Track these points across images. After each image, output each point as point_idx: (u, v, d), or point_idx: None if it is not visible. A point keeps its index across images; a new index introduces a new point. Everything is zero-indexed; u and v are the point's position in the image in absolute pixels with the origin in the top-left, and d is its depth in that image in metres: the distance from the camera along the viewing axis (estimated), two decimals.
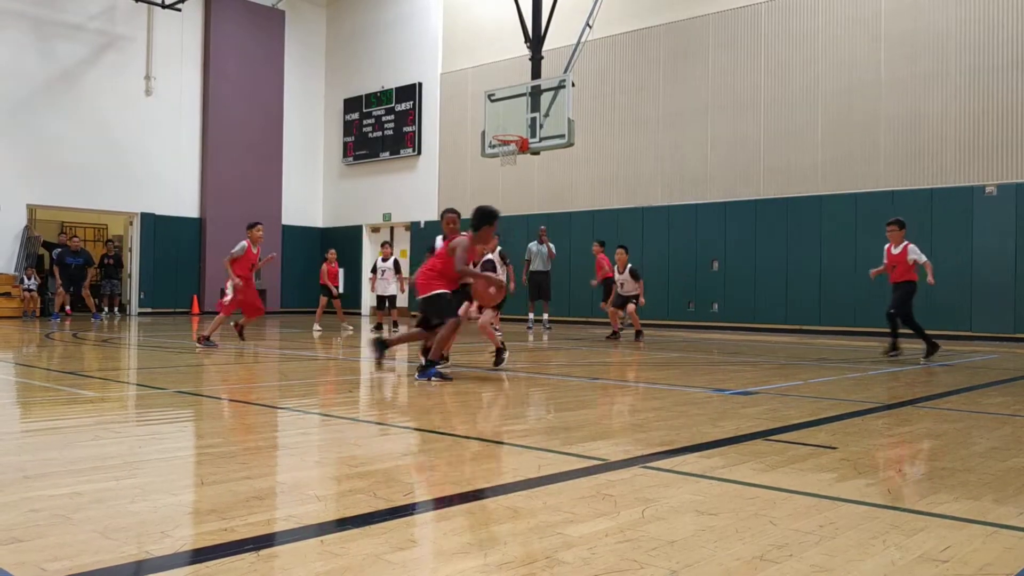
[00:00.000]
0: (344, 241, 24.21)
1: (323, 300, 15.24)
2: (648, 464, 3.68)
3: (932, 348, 9.58)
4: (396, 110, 23.03)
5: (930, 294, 14.68)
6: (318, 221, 25.36)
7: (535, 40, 16.17)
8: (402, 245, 22.52)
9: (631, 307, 12.91)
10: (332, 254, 15.48)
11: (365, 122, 23.92)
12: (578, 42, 15.84)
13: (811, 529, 2.68)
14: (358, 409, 5.80)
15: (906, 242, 9.80)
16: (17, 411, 5.53)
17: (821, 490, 3.23)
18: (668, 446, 4.15)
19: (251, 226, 10.72)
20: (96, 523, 2.63)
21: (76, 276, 18.70)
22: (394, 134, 23.11)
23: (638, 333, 12.94)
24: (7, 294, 18.78)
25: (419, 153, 22.61)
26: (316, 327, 14.51)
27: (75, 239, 19.70)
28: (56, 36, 19.94)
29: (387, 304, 14.75)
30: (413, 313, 15.08)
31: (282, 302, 23.72)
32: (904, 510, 2.94)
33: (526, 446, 4.14)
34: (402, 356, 9.42)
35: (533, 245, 15.80)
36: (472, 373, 7.89)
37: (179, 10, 21.35)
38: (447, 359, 7.84)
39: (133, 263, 21.52)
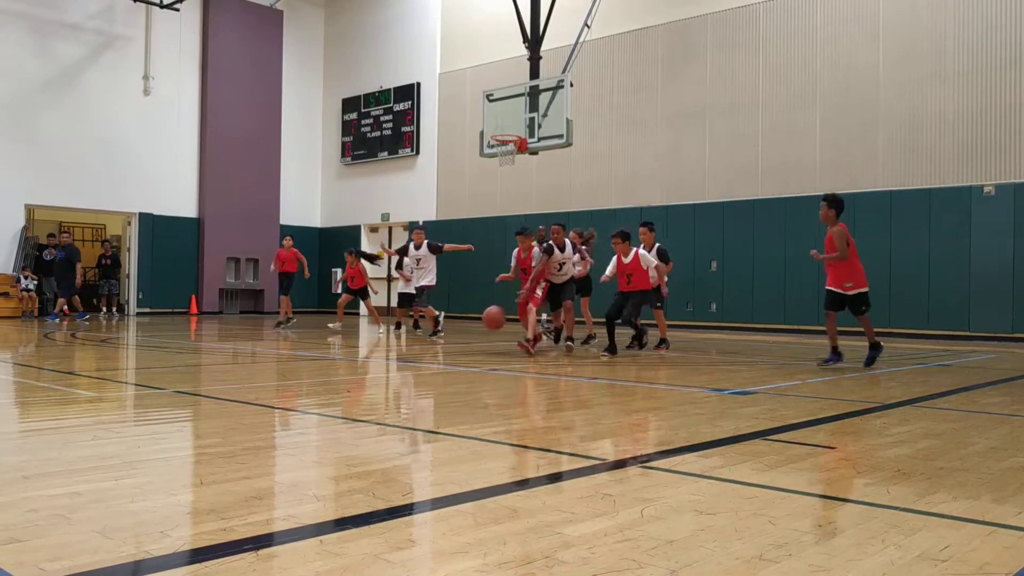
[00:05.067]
0: (343, 241, 24.20)
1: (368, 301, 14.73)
2: (647, 464, 3.69)
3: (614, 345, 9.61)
4: (394, 110, 23.01)
5: (928, 294, 14.75)
6: (316, 221, 25.34)
7: (533, 40, 16.17)
8: (395, 246, 22.44)
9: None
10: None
11: (363, 122, 23.90)
12: (576, 42, 15.84)
13: (810, 528, 2.68)
14: (356, 409, 5.80)
15: (635, 249, 9.91)
16: (16, 411, 5.53)
17: (820, 490, 3.23)
18: (667, 446, 4.15)
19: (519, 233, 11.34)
20: (95, 523, 2.63)
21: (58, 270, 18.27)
22: (392, 134, 23.09)
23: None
24: (5, 294, 18.78)
25: (417, 153, 22.60)
26: (379, 328, 14.46)
27: (65, 235, 19.80)
28: (54, 36, 19.91)
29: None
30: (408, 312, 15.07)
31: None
32: (903, 509, 2.94)
33: (525, 446, 4.14)
34: (395, 353, 9.39)
35: None
36: (471, 373, 7.89)
37: (177, 10, 21.34)
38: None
39: (131, 263, 21.50)
